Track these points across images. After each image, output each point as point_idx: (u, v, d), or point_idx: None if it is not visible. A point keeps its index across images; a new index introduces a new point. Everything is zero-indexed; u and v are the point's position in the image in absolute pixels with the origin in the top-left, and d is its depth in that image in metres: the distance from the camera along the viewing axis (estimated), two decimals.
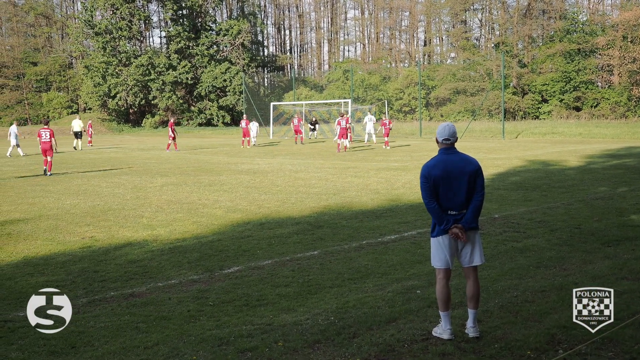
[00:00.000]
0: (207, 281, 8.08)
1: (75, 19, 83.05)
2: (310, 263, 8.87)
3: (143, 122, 73.10)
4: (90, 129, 43.46)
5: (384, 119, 34.48)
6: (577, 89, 57.20)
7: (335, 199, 14.86)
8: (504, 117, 45.40)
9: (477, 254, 5.89)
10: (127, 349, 5.79)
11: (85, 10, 71.68)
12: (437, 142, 5.96)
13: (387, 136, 33.22)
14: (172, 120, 34.48)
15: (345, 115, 32.68)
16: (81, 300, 7.36)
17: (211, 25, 76.78)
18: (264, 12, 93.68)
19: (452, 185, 5.80)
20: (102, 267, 8.87)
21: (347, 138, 31.50)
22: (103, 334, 6.21)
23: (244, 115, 41.97)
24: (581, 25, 60.99)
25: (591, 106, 56.64)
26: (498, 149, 30.80)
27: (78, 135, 38.49)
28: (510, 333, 5.85)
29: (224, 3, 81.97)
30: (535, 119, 58.22)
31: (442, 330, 5.84)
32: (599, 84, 60.59)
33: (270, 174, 20.79)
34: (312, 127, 45.95)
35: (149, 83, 69.40)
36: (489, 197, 14.75)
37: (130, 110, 74.80)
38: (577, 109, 57.51)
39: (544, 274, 7.96)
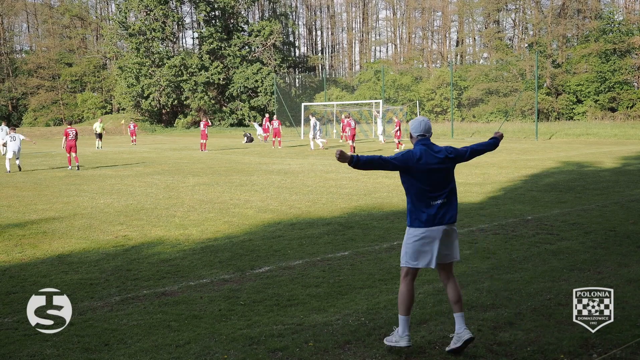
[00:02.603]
0: (238, 281, 8.12)
1: (109, 20, 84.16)
2: (341, 263, 8.86)
3: (175, 122, 73.81)
4: (134, 128, 46.03)
5: (394, 118, 34.11)
6: (613, 89, 56.25)
7: (366, 199, 14.83)
8: (537, 118, 44.84)
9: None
10: (159, 347, 5.85)
11: (120, 11, 72.58)
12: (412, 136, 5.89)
13: (398, 138, 32.51)
14: (206, 121, 34.66)
15: (350, 117, 32.84)
16: (114, 299, 7.45)
17: (243, 26, 77.21)
18: (296, 13, 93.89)
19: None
20: (135, 265, 8.97)
21: (354, 139, 31.48)
22: (135, 332, 6.28)
23: (274, 115, 42.10)
24: (617, 25, 59.98)
25: (627, 107, 55.67)
26: (531, 150, 30.46)
27: (99, 135, 39.67)
28: (543, 336, 5.78)
29: (256, 4, 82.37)
30: (569, 119, 57.40)
31: (399, 337, 5.54)
32: (635, 84, 59.57)
33: (301, 174, 20.82)
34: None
35: (181, 84, 70.01)
36: (522, 198, 14.61)
37: (163, 111, 75.51)
38: (613, 110, 56.57)
39: (578, 276, 7.86)
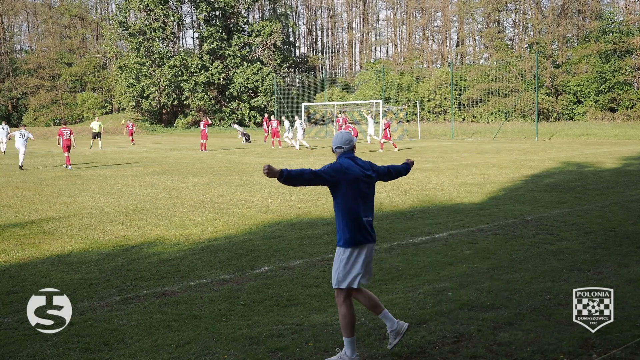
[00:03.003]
0: (238, 281, 8.12)
1: (109, 20, 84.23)
2: None
3: (175, 122, 73.81)
4: (133, 127, 46.32)
5: (385, 120, 34.25)
6: (613, 89, 56.24)
7: None
8: (538, 118, 44.76)
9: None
10: (159, 347, 5.85)
11: (120, 11, 72.63)
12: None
13: (387, 139, 32.66)
14: (206, 120, 34.58)
15: (345, 118, 32.90)
16: (114, 299, 7.45)
17: (243, 26, 77.24)
18: (296, 13, 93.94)
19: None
20: (135, 265, 8.97)
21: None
22: (135, 332, 6.28)
23: (273, 116, 42.09)
24: (617, 25, 59.96)
25: (627, 107, 55.69)
26: (531, 151, 30.46)
27: (97, 135, 39.65)
28: (543, 336, 5.78)
29: (256, 4, 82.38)
30: (569, 120, 57.40)
31: (347, 359, 5.38)
32: (635, 84, 59.58)
33: None
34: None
35: (181, 84, 70.04)
36: (522, 198, 14.61)
37: (163, 111, 75.53)
38: (613, 110, 56.57)
39: (578, 277, 7.85)
